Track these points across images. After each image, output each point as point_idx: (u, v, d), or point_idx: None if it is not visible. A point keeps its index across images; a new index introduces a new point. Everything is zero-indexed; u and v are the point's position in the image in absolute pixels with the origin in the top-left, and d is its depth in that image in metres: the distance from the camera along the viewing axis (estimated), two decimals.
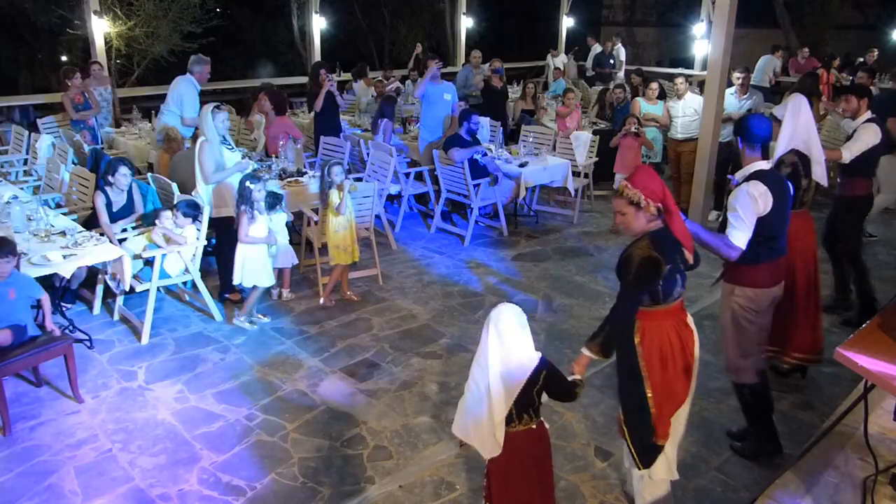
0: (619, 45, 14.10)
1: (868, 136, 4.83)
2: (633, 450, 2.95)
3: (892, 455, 2.51)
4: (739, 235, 3.26)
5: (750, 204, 3.25)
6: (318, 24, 12.66)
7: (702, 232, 3.24)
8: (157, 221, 5.05)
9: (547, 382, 2.59)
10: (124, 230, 5.23)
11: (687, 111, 7.62)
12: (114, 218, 5.29)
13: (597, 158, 7.99)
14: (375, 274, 5.91)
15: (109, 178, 5.26)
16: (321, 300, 5.50)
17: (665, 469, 2.96)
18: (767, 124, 3.48)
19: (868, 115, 4.94)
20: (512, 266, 6.39)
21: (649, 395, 2.82)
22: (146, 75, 13.88)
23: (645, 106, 8.47)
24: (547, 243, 7.03)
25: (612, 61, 13.25)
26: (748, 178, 3.35)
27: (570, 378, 2.75)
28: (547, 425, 2.77)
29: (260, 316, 5.19)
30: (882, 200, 6.96)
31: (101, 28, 10.12)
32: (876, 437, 2.59)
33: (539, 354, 2.61)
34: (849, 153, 4.85)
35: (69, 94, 7.92)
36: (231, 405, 4.15)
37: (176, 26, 13.56)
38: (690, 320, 2.99)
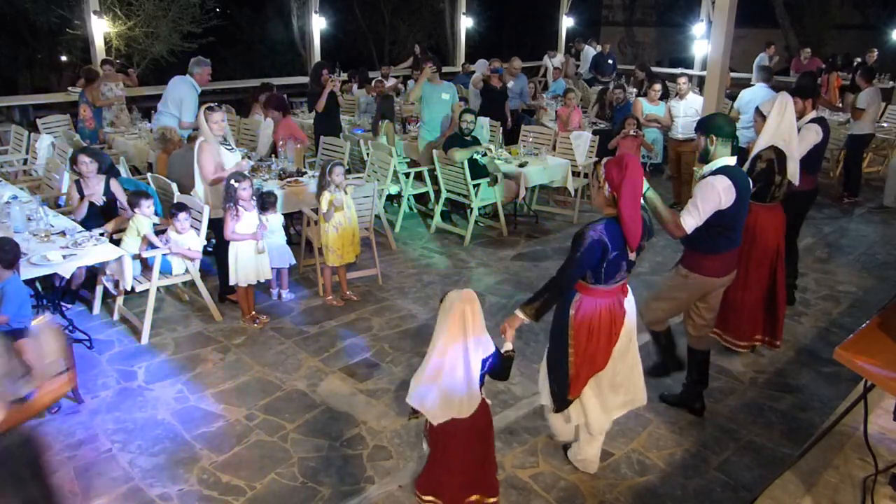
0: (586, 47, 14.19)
1: (811, 135, 5.10)
2: (551, 396, 3.40)
3: (892, 455, 2.51)
4: (690, 221, 3.52)
5: (711, 196, 3.49)
6: (318, 24, 12.66)
7: (660, 205, 3.47)
8: (173, 221, 5.01)
9: (492, 367, 2.86)
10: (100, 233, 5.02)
11: (688, 111, 7.62)
12: (92, 217, 5.24)
13: (596, 159, 7.99)
14: (375, 274, 5.91)
15: (74, 167, 5.27)
16: (325, 299, 5.51)
17: (577, 416, 3.40)
18: (732, 122, 3.82)
19: (813, 115, 5.23)
20: (512, 266, 6.39)
21: (571, 359, 3.21)
22: (146, 75, 13.90)
23: (647, 107, 8.47)
24: (547, 243, 7.03)
25: (610, 61, 13.17)
26: (715, 172, 3.56)
27: (503, 350, 2.94)
28: (488, 401, 2.98)
29: (260, 316, 5.20)
30: None
31: (100, 28, 10.13)
32: (876, 437, 2.59)
33: (491, 340, 2.86)
34: (798, 153, 5.07)
35: (96, 85, 8.17)
36: (231, 405, 4.15)
37: (176, 26, 13.59)
38: (629, 302, 3.28)
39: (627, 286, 3.28)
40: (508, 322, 3.12)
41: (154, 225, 5.02)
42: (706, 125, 3.69)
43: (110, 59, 9.45)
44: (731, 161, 3.62)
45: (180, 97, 6.97)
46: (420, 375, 2.84)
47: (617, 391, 3.37)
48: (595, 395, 3.33)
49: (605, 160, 3.12)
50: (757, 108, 4.85)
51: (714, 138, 3.62)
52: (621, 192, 2.98)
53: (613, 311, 3.18)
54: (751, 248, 4.36)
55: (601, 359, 3.22)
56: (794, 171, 4.44)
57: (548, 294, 3.12)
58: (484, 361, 2.82)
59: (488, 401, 3.00)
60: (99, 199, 5.31)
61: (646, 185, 3.24)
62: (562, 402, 3.35)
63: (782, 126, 4.35)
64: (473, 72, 11.75)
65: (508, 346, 3.00)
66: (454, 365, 2.76)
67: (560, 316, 3.24)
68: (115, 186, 5.42)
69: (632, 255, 3.12)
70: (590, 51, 13.82)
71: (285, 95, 10.47)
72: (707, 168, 3.65)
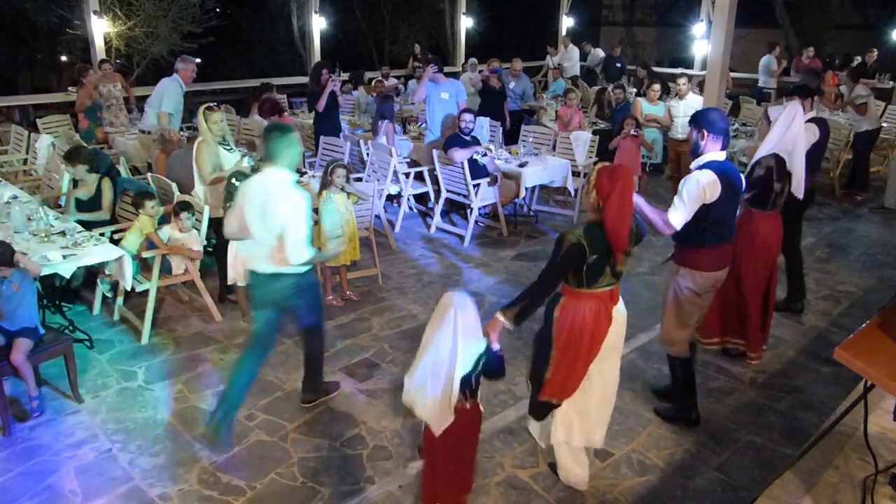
0: (594, 49, 14.12)
1: (808, 135, 4.99)
2: (530, 400, 3.37)
3: (892, 455, 2.51)
4: (676, 216, 3.49)
5: (696, 191, 3.47)
6: (318, 24, 12.65)
7: (645, 206, 3.46)
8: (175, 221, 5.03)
9: (485, 367, 2.84)
10: (102, 234, 5.07)
11: (688, 111, 7.60)
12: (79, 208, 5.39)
13: (596, 158, 7.98)
14: (375, 274, 5.91)
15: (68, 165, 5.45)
16: (325, 299, 5.50)
17: (563, 432, 3.33)
18: (726, 118, 3.76)
19: (811, 114, 5.13)
20: (512, 266, 6.39)
21: (551, 360, 3.18)
22: (146, 75, 13.88)
23: (647, 107, 8.46)
24: (547, 243, 7.03)
25: (619, 65, 13.03)
26: (701, 167, 3.55)
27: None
28: (482, 408, 2.96)
29: None
30: None
31: (100, 28, 10.13)
32: (876, 437, 2.59)
33: (484, 340, 2.85)
34: (799, 162, 5.01)
35: (89, 82, 8.19)
36: None
37: (176, 26, 13.56)
38: (618, 311, 3.21)
39: (618, 295, 3.21)
40: (490, 326, 3.01)
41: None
42: (699, 119, 3.67)
43: (109, 59, 9.47)
44: (721, 156, 3.60)
45: (162, 91, 7.00)
46: (413, 373, 2.82)
47: (601, 408, 3.34)
48: (576, 410, 3.30)
49: (600, 166, 3.08)
50: (764, 111, 4.77)
51: (705, 133, 3.59)
52: (608, 202, 2.96)
53: (598, 317, 3.12)
54: (756, 256, 4.32)
55: (581, 364, 3.17)
56: (797, 185, 4.35)
57: (528, 299, 3.06)
58: (470, 374, 2.77)
59: (482, 406, 2.97)
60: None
61: None
62: (537, 404, 3.31)
63: (786, 137, 4.26)
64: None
65: (496, 346, 2.96)
66: (439, 370, 2.74)
67: (546, 317, 3.23)
68: (105, 185, 5.44)
69: (619, 266, 3.08)
70: (574, 50, 13.62)
71: (285, 96, 10.50)
72: (695, 163, 3.64)
